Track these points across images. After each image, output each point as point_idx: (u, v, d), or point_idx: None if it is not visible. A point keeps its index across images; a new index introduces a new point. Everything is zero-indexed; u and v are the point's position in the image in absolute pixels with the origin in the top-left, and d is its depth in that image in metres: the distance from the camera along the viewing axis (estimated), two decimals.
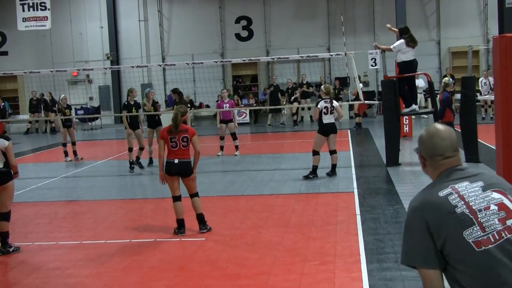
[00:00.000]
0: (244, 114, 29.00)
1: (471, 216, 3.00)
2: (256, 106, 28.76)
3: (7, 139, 8.99)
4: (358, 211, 10.10)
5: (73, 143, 18.77)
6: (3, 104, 26.85)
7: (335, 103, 13.50)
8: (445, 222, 3.01)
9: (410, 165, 14.72)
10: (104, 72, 31.17)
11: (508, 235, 2.99)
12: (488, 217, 3.00)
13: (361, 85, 20.08)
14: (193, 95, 29.97)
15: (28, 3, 24.31)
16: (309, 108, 28.30)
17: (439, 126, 3.31)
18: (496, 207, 3.03)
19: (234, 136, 17.70)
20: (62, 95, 19.35)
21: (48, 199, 13.04)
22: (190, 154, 9.33)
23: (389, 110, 14.50)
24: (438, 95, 15.38)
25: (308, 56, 18.75)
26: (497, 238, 2.97)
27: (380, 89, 24.35)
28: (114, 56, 31.87)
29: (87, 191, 13.78)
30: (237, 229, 9.47)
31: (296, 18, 30.55)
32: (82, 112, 29.77)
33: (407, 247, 3.11)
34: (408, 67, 14.36)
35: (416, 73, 14.65)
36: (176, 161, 9.18)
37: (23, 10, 24.52)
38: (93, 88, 32.38)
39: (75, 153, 18.73)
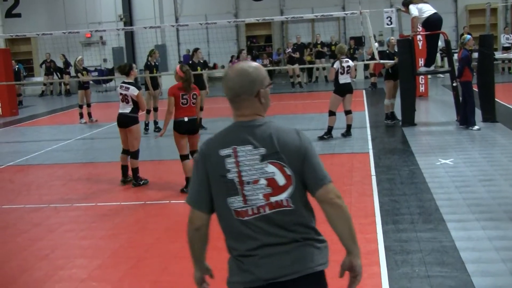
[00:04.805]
0: None
1: (238, 186, 3.03)
2: (270, 66, 28.56)
3: (138, 88, 10.17)
4: (373, 172, 10.03)
5: (88, 105, 18.81)
6: (17, 66, 26.82)
7: (350, 62, 13.35)
8: (215, 181, 3.07)
9: (426, 125, 14.58)
10: (117, 34, 30.98)
11: (268, 212, 3.03)
12: (254, 191, 3.02)
13: (376, 44, 19.82)
14: (207, 56, 29.71)
15: None
16: (323, 68, 28.08)
17: (236, 66, 3.17)
18: (265, 182, 3.02)
19: None
20: (79, 57, 19.35)
21: (63, 161, 13.07)
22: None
23: (405, 69, 14.28)
24: (455, 54, 15.12)
25: (322, 15, 18.51)
26: (255, 212, 3.02)
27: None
28: (127, 17, 31.66)
29: (102, 153, 13.80)
30: None
31: None
32: (96, 74, 29.70)
33: (190, 186, 3.23)
34: (432, 22, 14.00)
35: (437, 31, 14.28)
36: (186, 119, 9.32)
37: None
38: (107, 50, 32.28)
39: (89, 115, 18.76)
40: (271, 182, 3.02)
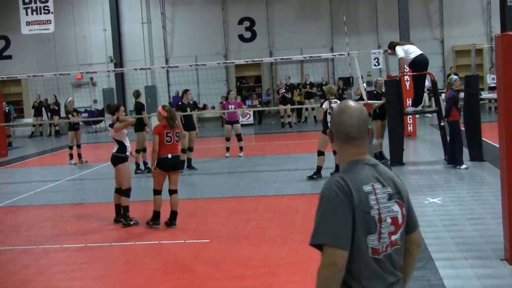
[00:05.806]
0: (248, 115, 29.00)
1: (377, 224, 3.02)
2: (260, 107, 28.75)
3: (111, 126, 10.22)
4: None
5: (78, 146, 18.83)
6: (8, 108, 26.90)
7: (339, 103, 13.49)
8: (360, 218, 2.98)
9: (414, 164, 14.70)
10: (107, 75, 31.20)
11: (390, 250, 3.08)
12: (384, 229, 3.05)
13: (364, 85, 20.06)
14: (196, 97, 29.92)
15: (32, 7, 24.32)
16: (312, 109, 28.30)
17: (351, 104, 3.19)
18: (390, 220, 3.07)
19: (239, 137, 17.73)
20: (70, 98, 19.44)
21: (53, 202, 13.06)
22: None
23: (393, 109, 14.45)
24: (443, 94, 15.29)
25: (311, 56, 18.73)
26: (384, 250, 3.05)
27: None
28: (118, 58, 31.88)
29: (92, 194, 13.80)
30: (241, 230, 9.46)
31: (299, 18, 30.53)
32: (86, 115, 29.78)
33: (323, 225, 2.96)
34: (419, 63, 14.25)
35: (424, 72, 14.51)
36: (169, 156, 9.70)
37: (27, 14, 24.51)
38: (97, 91, 32.41)
39: (79, 155, 18.77)
40: (394, 220, 3.09)
